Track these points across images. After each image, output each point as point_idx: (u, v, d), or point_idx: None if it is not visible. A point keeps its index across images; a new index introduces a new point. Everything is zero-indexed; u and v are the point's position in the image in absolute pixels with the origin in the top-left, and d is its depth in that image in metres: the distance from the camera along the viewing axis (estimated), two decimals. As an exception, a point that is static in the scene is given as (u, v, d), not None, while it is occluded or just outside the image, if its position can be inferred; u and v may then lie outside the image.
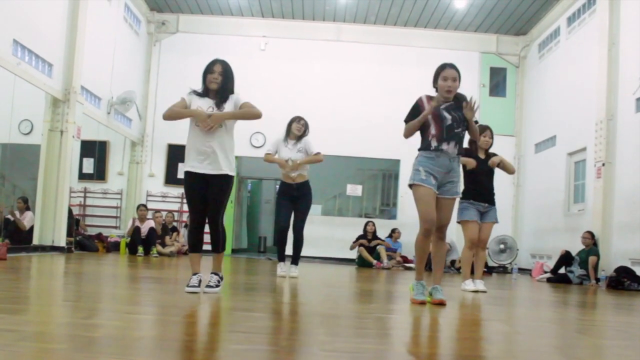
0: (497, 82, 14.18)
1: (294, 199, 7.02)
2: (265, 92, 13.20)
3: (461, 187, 5.03)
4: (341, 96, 13.55)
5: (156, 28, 13.71)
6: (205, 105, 4.59)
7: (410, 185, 4.77)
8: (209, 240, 4.75)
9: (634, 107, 9.17)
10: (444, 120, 4.68)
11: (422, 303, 4.61)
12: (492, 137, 6.60)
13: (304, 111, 11.58)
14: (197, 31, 13.79)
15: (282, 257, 7.14)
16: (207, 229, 4.70)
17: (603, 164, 9.70)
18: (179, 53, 13.65)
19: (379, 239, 12.01)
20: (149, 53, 13.72)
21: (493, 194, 6.52)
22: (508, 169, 6.68)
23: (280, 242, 7.15)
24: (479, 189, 6.39)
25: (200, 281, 4.62)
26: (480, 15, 12.83)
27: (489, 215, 6.45)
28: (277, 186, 7.80)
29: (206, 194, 4.61)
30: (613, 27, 9.84)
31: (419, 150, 4.80)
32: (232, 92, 4.67)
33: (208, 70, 4.64)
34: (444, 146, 4.67)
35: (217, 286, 4.64)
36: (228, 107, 4.60)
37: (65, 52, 9.74)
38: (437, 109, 4.71)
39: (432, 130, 4.69)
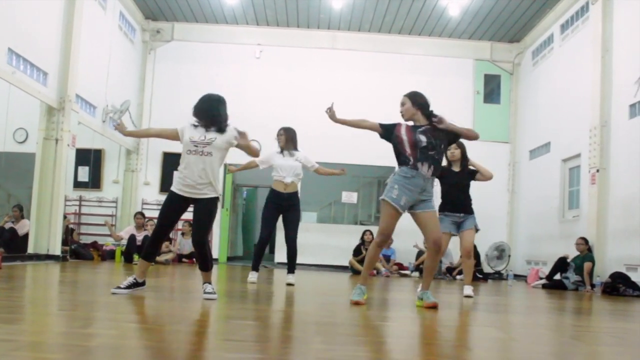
0: (492, 89, 14.22)
1: (283, 209, 6.99)
2: (260, 100, 13.25)
3: (435, 203, 5.11)
4: (336, 103, 13.48)
5: (151, 36, 13.72)
6: (197, 134, 4.79)
7: (381, 199, 4.98)
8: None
9: (627, 113, 9.23)
10: (418, 142, 4.85)
11: (357, 303, 4.90)
12: (458, 148, 6.61)
13: (299, 118, 11.68)
14: (192, 39, 13.80)
15: (257, 267, 7.10)
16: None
17: (597, 170, 9.74)
18: (173, 61, 13.68)
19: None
20: (144, 61, 13.72)
21: (469, 204, 6.59)
22: (483, 172, 6.68)
23: (260, 253, 7.10)
24: (453, 200, 6.52)
25: (133, 283, 4.84)
26: (474, 22, 12.89)
27: (467, 224, 6.54)
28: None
29: (178, 215, 4.87)
30: (606, 34, 9.90)
31: (398, 166, 4.98)
32: (224, 119, 4.88)
33: None
34: (419, 165, 4.83)
35: (213, 292, 4.84)
36: (220, 137, 4.80)
37: (60, 61, 9.74)
38: (413, 133, 4.88)
39: (407, 149, 4.87)
